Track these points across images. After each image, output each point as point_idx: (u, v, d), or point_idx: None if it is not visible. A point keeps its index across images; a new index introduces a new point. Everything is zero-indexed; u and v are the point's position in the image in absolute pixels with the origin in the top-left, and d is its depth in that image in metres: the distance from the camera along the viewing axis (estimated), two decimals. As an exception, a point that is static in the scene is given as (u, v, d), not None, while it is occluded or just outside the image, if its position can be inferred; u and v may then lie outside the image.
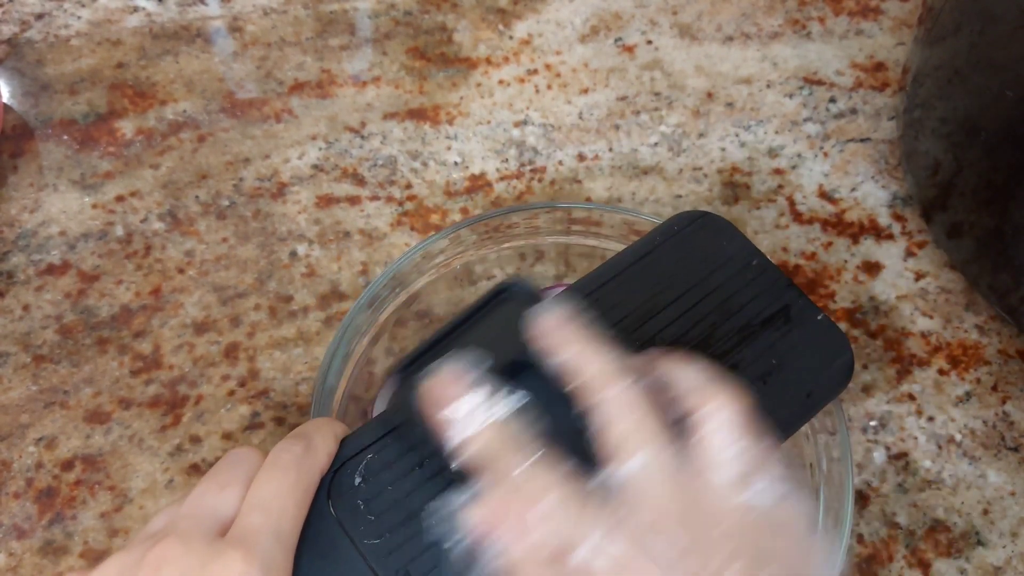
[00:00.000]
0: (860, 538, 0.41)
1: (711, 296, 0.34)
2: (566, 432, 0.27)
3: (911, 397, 0.45)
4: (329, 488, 0.28)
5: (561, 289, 0.37)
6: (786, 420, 0.32)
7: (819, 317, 0.34)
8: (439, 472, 0.28)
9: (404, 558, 0.27)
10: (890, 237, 0.50)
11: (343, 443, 0.29)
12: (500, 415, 0.27)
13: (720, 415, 0.27)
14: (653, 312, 0.33)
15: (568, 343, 0.28)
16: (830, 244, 0.50)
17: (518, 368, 0.29)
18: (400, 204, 0.50)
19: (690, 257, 0.35)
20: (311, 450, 0.28)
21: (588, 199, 0.51)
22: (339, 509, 0.27)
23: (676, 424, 0.27)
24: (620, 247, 0.39)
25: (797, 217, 0.51)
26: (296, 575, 0.25)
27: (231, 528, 0.25)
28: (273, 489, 0.26)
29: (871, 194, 0.52)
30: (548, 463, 0.26)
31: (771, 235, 0.50)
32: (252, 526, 0.25)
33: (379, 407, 0.41)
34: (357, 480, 0.28)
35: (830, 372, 0.33)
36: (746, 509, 0.26)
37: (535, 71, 0.56)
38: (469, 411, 0.27)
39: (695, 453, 0.27)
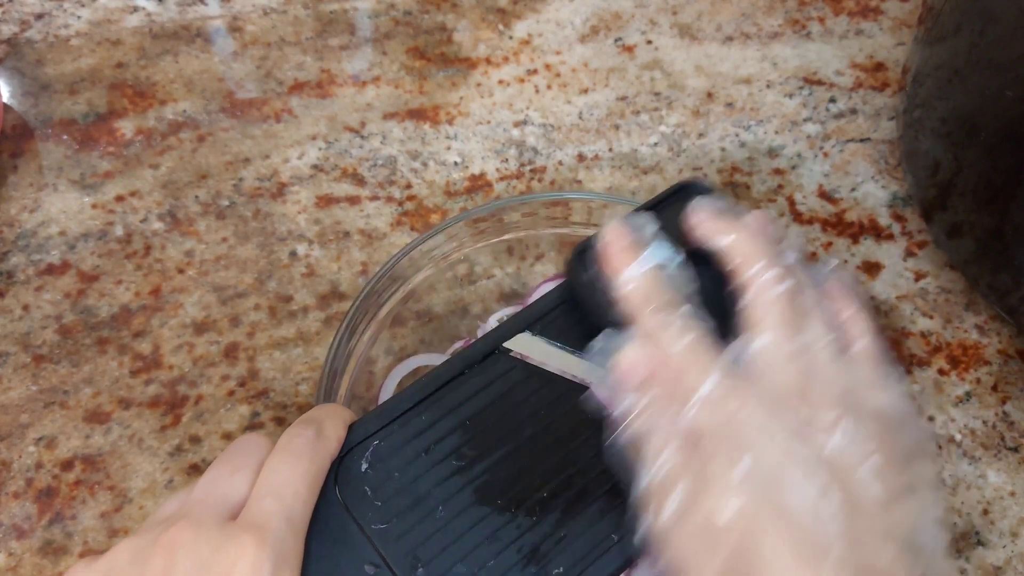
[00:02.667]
0: (860, 538, 0.41)
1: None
2: (715, 301, 0.30)
3: (911, 397, 0.45)
4: (336, 474, 0.28)
5: (557, 283, 0.37)
6: None
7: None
8: (446, 457, 0.29)
9: (412, 542, 0.27)
10: (890, 237, 0.50)
11: (350, 429, 0.29)
12: (660, 268, 0.30)
13: (855, 321, 0.30)
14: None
15: (727, 231, 0.30)
16: (830, 244, 0.50)
17: (690, 254, 0.31)
18: (400, 204, 0.50)
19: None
20: (322, 435, 0.28)
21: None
22: (346, 495, 0.28)
23: (810, 308, 0.29)
24: None
25: (797, 217, 0.51)
26: (305, 560, 0.26)
27: (242, 512, 0.26)
28: (285, 473, 0.26)
29: (871, 194, 0.52)
30: (693, 316, 0.28)
31: (771, 235, 0.50)
32: (264, 510, 0.25)
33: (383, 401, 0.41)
34: (364, 466, 0.28)
35: None
36: (858, 388, 0.28)
37: (535, 71, 0.56)
38: (636, 260, 0.30)
39: (822, 340, 0.28)
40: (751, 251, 0.29)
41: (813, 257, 0.49)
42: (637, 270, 0.29)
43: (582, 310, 0.31)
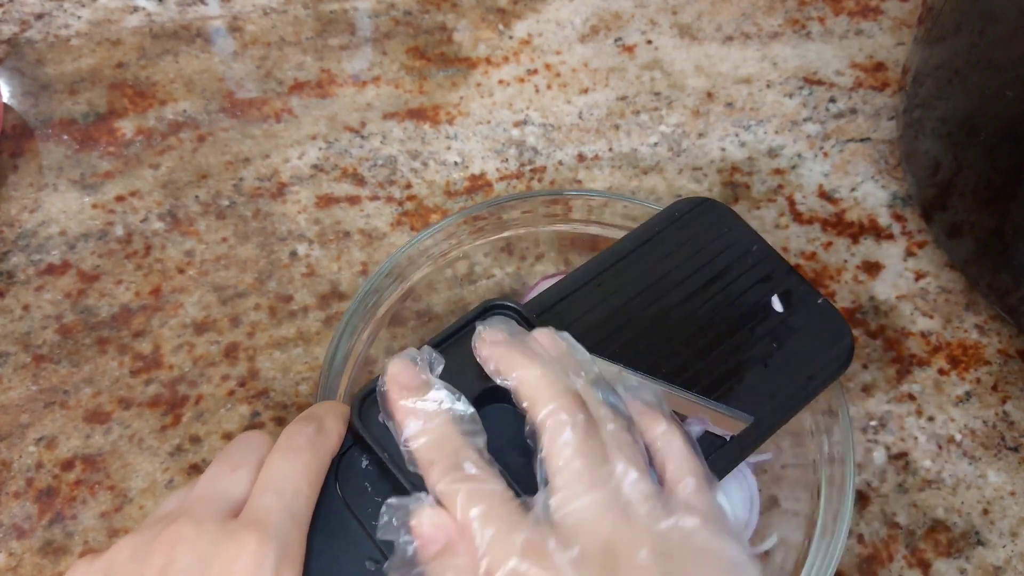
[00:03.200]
0: (860, 538, 0.41)
1: (713, 281, 0.34)
2: (515, 454, 0.27)
3: (911, 397, 0.45)
4: (337, 470, 0.28)
5: (557, 279, 0.37)
6: (787, 403, 0.33)
7: (819, 301, 0.35)
8: None
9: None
10: (890, 237, 0.50)
11: (350, 427, 0.29)
12: (448, 415, 0.27)
13: (663, 440, 0.28)
14: (656, 298, 0.34)
15: (511, 365, 0.28)
16: (830, 244, 0.50)
17: (490, 390, 0.29)
18: (400, 204, 0.50)
19: (691, 243, 0.35)
20: (323, 432, 0.28)
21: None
22: (347, 491, 0.28)
23: (612, 445, 0.27)
24: (618, 235, 0.39)
25: (797, 217, 0.51)
26: (306, 556, 0.26)
27: (244, 509, 0.25)
28: (286, 470, 0.26)
29: (871, 194, 0.52)
30: (486, 473, 0.26)
31: (771, 235, 0.50)
32: (266, 507, 0.25)
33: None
34: (364, 462, 0.28)
35: (830, 355, 0.34)
36: (674, 536, 0.25)
37: (535, 71, 0.56)
38: (421, 405, 0.27)
39: (628, 481, 0.26)
40: (537, 387, 0.27)
41: (812, 257, 0.49)
42: (419, 422, 0.27)
43: (378, 462, 0.28)
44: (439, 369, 0.29)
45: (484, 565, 0.24)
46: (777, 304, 0.34)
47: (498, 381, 0.29)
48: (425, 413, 0.27)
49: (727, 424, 0.31)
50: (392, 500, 0.26)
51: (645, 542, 0.25)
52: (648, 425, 0.28)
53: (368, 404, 0.29)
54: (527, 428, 0.27)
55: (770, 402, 0.32)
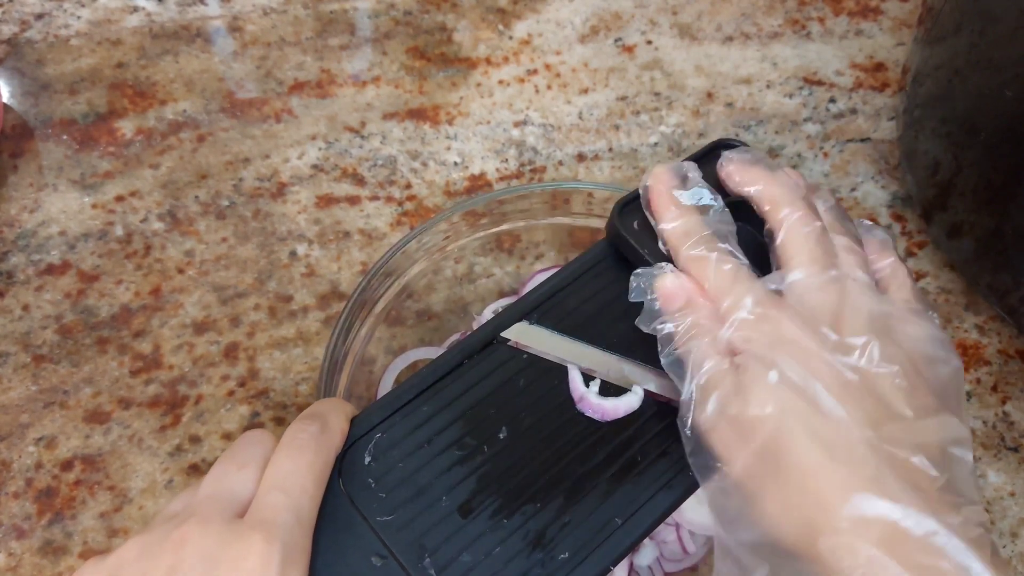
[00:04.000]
0: (860, 538, 0.41)
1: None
2: (754, 247, 0.31)
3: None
4: (340, 467, 0.28)
5: (552, 271, 0.37)
6: None
7: None
8: (447, 448, 0.29)
9: (417, 533, 0.27)
10: (890, 237, 0.50)
11: (352, 423, 0.29)
12: (703, 209, 0.31)
13: (892, 270, 0.31)
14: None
15: (758, 179, 0.31)
16: (830, 244, 0.50)
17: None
18: (400, 204, 0.50)
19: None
20: (326, 429, 0.28)
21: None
22: (351, 487, 0.28)
23: (843, 248, 0.30)
24: None
25: (797, 217, 0.51)
26: (312, 553, 0.26)
27: (250, 508, 0.26)
28: (291, 468, 0.26)
29: (871, 194, 0.52)
30: (731, 251, 0.29)
31: (771, 235, 0.50)
32: (272, 505, 0.25)
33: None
34: (367, 459, 0.28)
35: None
36: (890, 317, 0.29)
37: (535, 71, 0.56)
38: (680, 196, 0.31)
39: (856, 273, 0.29)
40: (781, 196, 0.30)
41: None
42: (678, 211, 0.30)
43: (627, 260, 0.32)
44: (696, 176, 0.32)
45: (725, 306, 0.28)
46: None
47: (741, 191, 0.32)
48: (683, 205, 0.31)
49: None
50: (639, 269, 0.30)
51: (865, 312, 0.28)
52: (878, 256, 0.31)
53: (627, 211, 0.32)
54: (766, 228, 0.30)
55: None
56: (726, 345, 0.28)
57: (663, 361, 0.29)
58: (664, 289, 0.30)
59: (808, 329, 0.27)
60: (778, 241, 0.30)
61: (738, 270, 0.29)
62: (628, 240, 0.32)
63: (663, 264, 0.30)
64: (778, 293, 0.29)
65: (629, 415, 0.30)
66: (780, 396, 0.26)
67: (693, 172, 0.32)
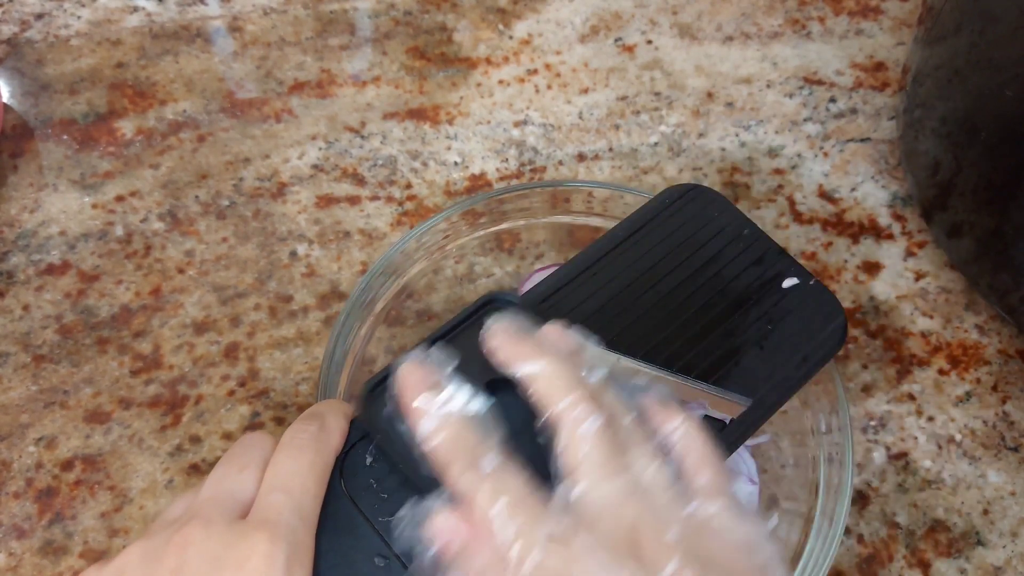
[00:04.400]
0: (860, 538, 0.41)
1: (706, 266, 0.35)
2: (527, 442, 0.27)
3: (911, 397, 0.45)
4: (342, 468, 0.28)
5: (551, 270, 0.37)
6: (783, 384, 0.33)
7: (811, 282, 0.35)
8: None
9: (418, 533, 0.27)
10: (890, 237, 0.50)
11: (352, 424, 0.29)
12: (463, 412, 0.27)
13: (680, 433, 0.28)
14: (650, 285, 0.34)
15: (524, 359, 0.28)
16: (830, 244, 0.50)
17: (494, 381, 0.29)
18: (400, 204, 0.50)
19: (683, 229, 0.36)
20: (326, 430, 0.28)
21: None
22: (352, 488, 0.28)
23: (629, 437, 0.27)
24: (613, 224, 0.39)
25: (797, 217, 0.51)
26: (315, 554, 0.26)
27: (252, 509, 0.26)
28: (292, 468, 0.26)
29: (871, 194, 0.52)
30: (506, 469, 0.26)
31: (771, 235, 0.50)
32: (274, 506, 0.25)
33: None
34: (368, 460, 0.28)
35: (824, 335, 0.34)
36: (695, 520, 0.26)
37: (535, 71, 0.56)
38: (435, 404, 0.27)
39: (648, 470, 0.26)
40: (553, 383, 0.27)
41: (812, 257, 0.49)
42: (436, 421, 0.27)
43: (388, 457, 0.28)
44: (451, 366, 0.29)
45: (514, 554, 0.24)
46: (788, 282, 0.35)
47: (506, 373, 0.29)
48: (439, 413, 0.27)
49: (725, 408, 0.32)
50: (401, 512, 0.26)
51: (669, 525, 0.25)
52: (664, 420, 0.28)
53: (374, 397, 0.29)
54: (540, 422, 0.27)
55: (767, 384, 0.33)
56: None
57: None
58: (436, 533, 0.25)
59: (610, 565, 0.24)
60: (559, 447, 0.26)
61: (518, 502, 0.25)
62: (389, 436, 0.28)
63: (427, 502, 0.26)
64: (571, 514, 0.25)
65: None
66: None
67: (449, 361, 0.28)
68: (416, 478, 0.27)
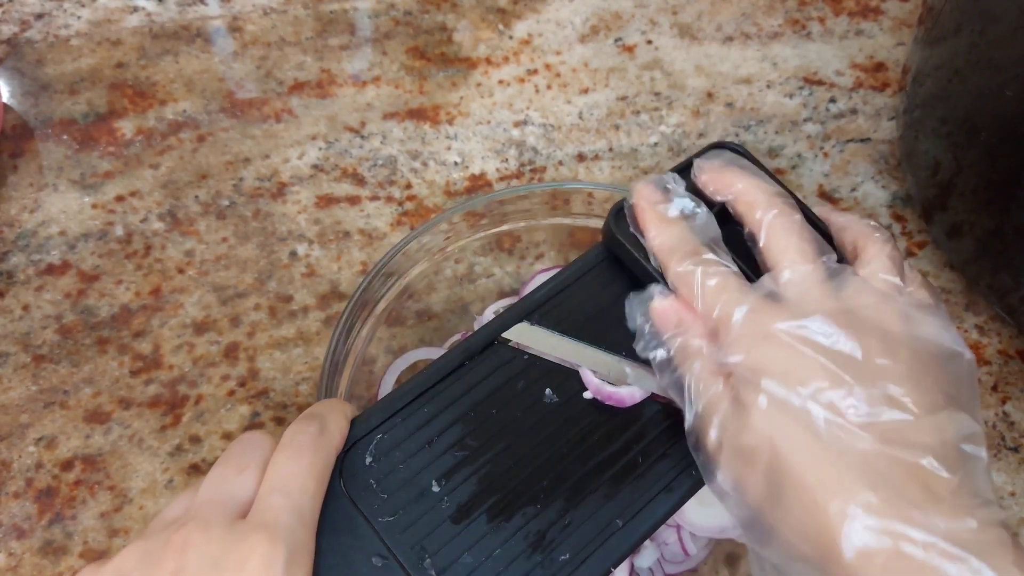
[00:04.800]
0: (860, 538, 0.41)
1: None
2: (743, 250, 0.30)
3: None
4: (341, 468, 0.28)
5: (553, 272, 0.37)
6: None
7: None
8: (448, 449, 0.29)
9: (419, 534, 0.27)
10: (890, 237, 0.50)
11: (353, 424, 0.29)
12: (687, 219, 0.31)
13: (874, 248, 0.30)
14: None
15: (730, 182, 0.31)
16: (830, 244, 0.50)
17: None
18: (400, 204, 0.50)
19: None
20: (326, 430, 0.28)
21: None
22: (352, 489, 0.28)
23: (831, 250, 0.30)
24: None
25: (797, 217, 0.51)
26: (314, 554, 0.26)
27: (252, 510, 0.25)
28: (292, 469, 0.26)
29: (871, 194, 0.52)
30: (718, 260, 0.29)
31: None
32: (274, 507, 0.25)
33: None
34: (368, 460, 0.28)
35: None
36: (889, 307, 0.28)
37: (535, 71, 0.56)
38: (663, 210, 0.31)
39: (848, 268, 0.29)
40: (755, 197, 0.30)
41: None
42: (662, 225, 0.30)
43: (623, 266, 0.32)
44: (678, 187, 0.32)
45: (715, 323, 0.28)
46: None
47: (717, 199, 0.32)
48: (667, 219, 0.31)
49: None
50: (631, 294, 0.31)
51: (865, 306, 0.28)
52: (862, 232, 0.31)
53: (622, 216, 0.32)
54: (746, 231, 0.30)
55: None
56: (722, 362, 0.27)
57: (663, 385, 0.29)
58: (654, 312, 0.30)
59: (800, 335, 0.27)
60: (762, 243, 0.30)
61: (726, 281, 0.28)
62: (624, 244, 0.32)
63: (652, 286, 0.30)
64: (773, 296, 0.28)
65: (630, 414, 0.30)
66: (772, 421, 0.26)
67: (673, 183, 0.32)
68: (644, 275, 0.31)
